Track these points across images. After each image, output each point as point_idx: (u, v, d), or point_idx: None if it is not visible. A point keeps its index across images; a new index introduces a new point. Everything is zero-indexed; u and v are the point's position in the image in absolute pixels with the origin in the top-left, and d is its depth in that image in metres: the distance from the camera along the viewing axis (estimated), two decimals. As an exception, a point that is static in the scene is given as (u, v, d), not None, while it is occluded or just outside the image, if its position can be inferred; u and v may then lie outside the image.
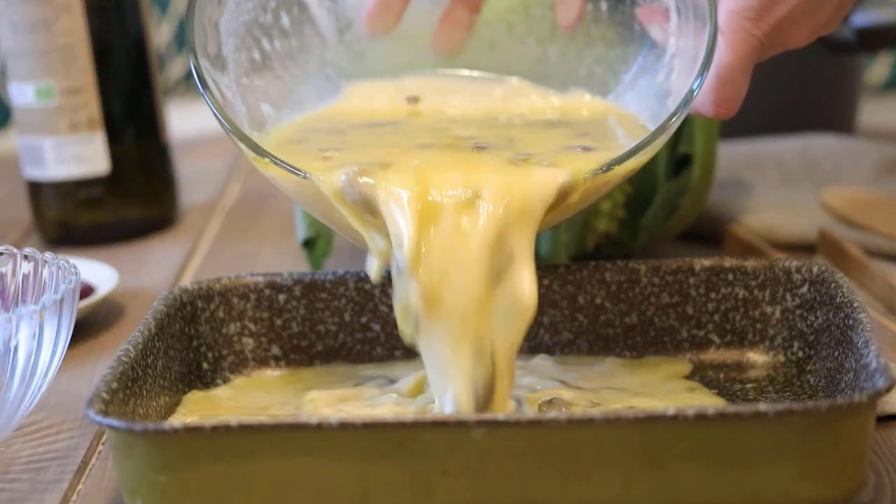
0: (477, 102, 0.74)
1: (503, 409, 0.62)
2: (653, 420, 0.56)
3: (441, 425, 0.56)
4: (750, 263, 0.72)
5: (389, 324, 0.73)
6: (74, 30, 0.97)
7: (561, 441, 0.56)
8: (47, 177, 0.99)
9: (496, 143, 0.68)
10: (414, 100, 0.73)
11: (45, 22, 0.96)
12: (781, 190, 0.98)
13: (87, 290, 0.85)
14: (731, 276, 0.72)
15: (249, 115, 0.69)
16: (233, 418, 0.57)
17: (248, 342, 0.73)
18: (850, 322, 0.64)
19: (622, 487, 0.56)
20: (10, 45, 0.97)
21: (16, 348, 0.64)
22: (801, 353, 0.70)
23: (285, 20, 0.73)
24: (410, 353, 0.71)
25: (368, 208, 0.62)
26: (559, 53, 0.75)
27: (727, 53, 0.66)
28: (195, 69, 0.66)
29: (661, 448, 0.56)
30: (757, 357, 0.72)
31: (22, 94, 0.98)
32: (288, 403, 0.69)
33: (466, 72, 0.75)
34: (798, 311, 0.70)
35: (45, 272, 0.70)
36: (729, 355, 0.72)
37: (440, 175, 0.62)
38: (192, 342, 0.72)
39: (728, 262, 0.72)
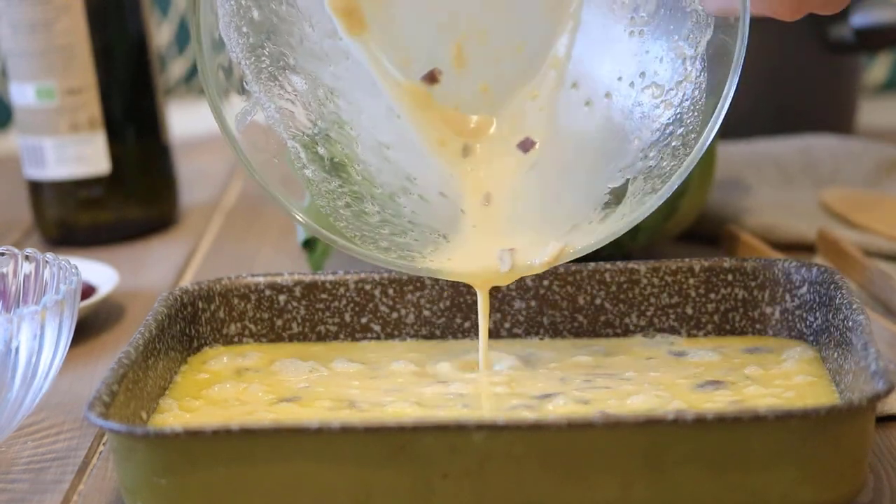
0: None
1: None
2: (652, 423, 0.56)
3: (442, 429, 0.56)
4: (749, 264, 0.72)
5: (390, 324, 0.73)
6: (75, 30, 0.97)
7: (560, 444, 0.56)
8: (48, 177, 0.99)
9: None
10: (431, 78, 0.71)
11: (45, 22, 0.96)
12: (781, 190, 0.98)
13: (87, 291, 0.85)
14: (730, 277, 0.72)
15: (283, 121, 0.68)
16: (234, 422, 0.57)
17: (249, 343, 0.73)
18: (850, 324, 0.64)
19: (621, 491, 0.57)
20: (11, 45, 0.97)
21: (17, 349, 0.64)
22: (800, 355, 0.71)
23: None
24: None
25: None
26: None
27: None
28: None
29: (661, 451, 0.56)
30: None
31: (22, 94, 0.98)
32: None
33: None
34: (797, 312, 0.70)
35: (46, 273, 0.70)
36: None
37: None
38: (192, 343, 0.72)
39: (727, 263, 0.72)
